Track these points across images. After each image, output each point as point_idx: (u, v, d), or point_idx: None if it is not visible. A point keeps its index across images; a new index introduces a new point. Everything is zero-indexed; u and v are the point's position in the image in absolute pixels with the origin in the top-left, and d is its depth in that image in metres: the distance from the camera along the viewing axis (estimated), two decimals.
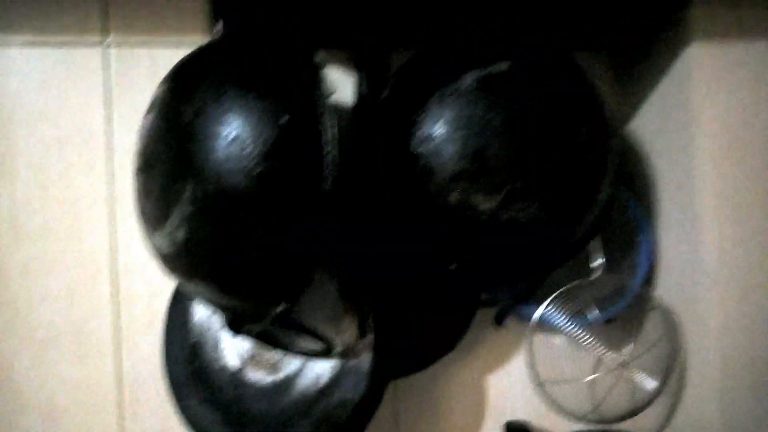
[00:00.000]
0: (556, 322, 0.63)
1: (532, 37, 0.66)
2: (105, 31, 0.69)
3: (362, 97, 0.71)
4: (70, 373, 0.68)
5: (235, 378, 0.62)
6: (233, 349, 0.63)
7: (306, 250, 0.49)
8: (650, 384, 0.65)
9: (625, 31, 0.73)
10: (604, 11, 0.69)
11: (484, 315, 0.71)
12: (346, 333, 0.58)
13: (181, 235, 0.49)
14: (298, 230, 0.49)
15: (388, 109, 0.64)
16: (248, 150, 0.47)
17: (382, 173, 0.61)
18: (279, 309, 0.50)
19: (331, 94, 0.74)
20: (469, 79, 0.59)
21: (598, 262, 0.63)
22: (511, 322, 0.71)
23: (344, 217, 0.52)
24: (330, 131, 0.49)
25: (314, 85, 0.52)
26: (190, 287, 0.54)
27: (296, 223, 0.48)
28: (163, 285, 0.68)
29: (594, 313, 0.65)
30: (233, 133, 0.48)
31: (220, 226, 0.48)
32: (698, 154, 0.60)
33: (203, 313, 0.64)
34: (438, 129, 0.58)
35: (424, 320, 0.66)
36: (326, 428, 0.57)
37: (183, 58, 0.58)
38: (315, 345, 0.57)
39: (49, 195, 0.68)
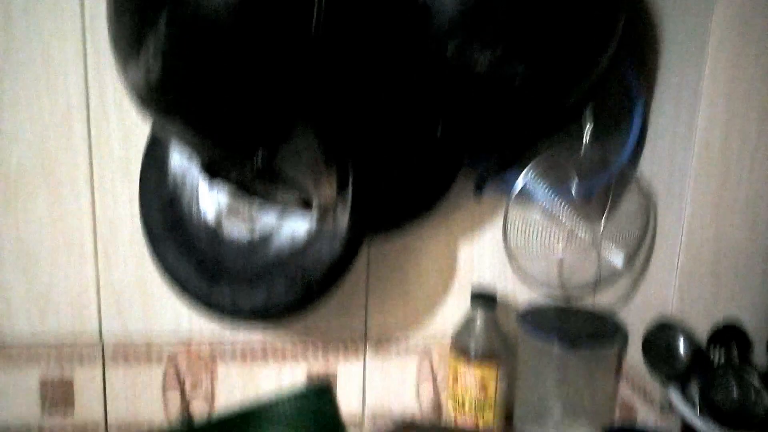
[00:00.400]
0: (535, 191, 0.63)
1: None
2: None
3: None
4: (44, 215, 0.67)
5: (212, 233, 0.62)
6: (210, 202, 0.63)
7: (288, 96, 0.47)
8: (618, 260, 0.67)
9: None
10: None
11: (464, 183, 0.71)
12: (324, 187, 0.57)
13: (155, 67, 0.46)
14: (281, 73, 0.46)
15: None
16: None
17: (381, 17, 0.57)
18: (257, 156, 0.49)
19: None
20: None
21: (586, 128, 0.62)
22: (490, 191, 0.71)
23: (333, 65, 0.49)
24: None
25: None
26: (166, 126, 0.52)
27: (279, 65, 0.46)
28: (138, 128, 0.66)
29: (574, 185, 0.64)
30: None
31: (196, 60, 0.45)
32: (715, 25, 0.57)
33: (181, 163, 0.63)
34: None
35: (404, 179, 0.65)
36: (300, 285, 0.58)
37: None
38: (292, 196, 0.56)
39: (15, 25, 0.64)
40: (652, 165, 0.67)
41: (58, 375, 0.70)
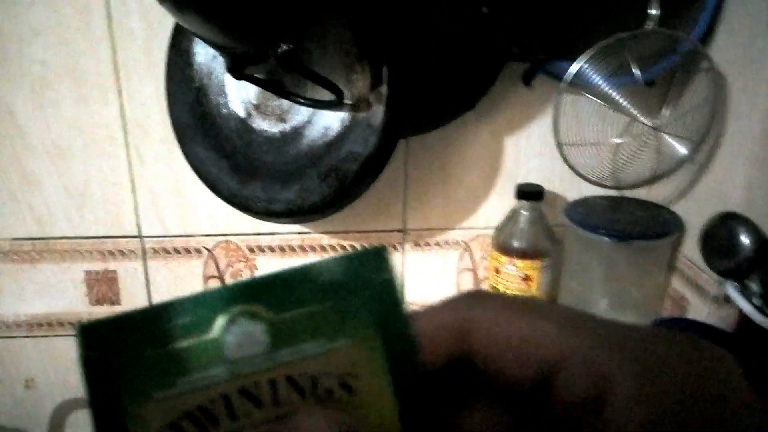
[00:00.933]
0: (591, 77, 0.57)
1: None
2: None
3: None
4: (73, 114, 0.66)
5: (242, 126, 0.59)
6: (238, 97, 0.59)
7: None
8: (680, 151, 0.61)
9: None
10: None
11: (512, 71, 0.64)
12: (358, 82, 0.53)
13: None
14: None
15: None
16: None
17: None
18: (282, 50, 0.44)
19: None
20: None
21: (653, 12, 0.54)
22: (539, 82, 0.65)
23: None
24: None
25: None
26: (184, 20, 0.48)
27: None
28: (161, 20, 0.62)
29: (635, 71, 0.57)
30: None
31: None
32: None
33: (206, 55, 0.59)
34: None
35: (445, 73, 0.59)
36: (334, 180, 0.56)
37: None
38: (323, 94, 0.52)
39: None
40: (726, 47, 0.59)
41: (102, 269, 0.72)
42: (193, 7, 0.44)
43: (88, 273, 0.72)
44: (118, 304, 0.74)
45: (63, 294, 0.73)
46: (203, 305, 0.18)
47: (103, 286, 0.73)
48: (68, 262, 0.72)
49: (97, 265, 0.72)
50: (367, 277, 0.19)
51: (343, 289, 0.19)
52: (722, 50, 0.59)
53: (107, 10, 0.62)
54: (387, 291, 0.19)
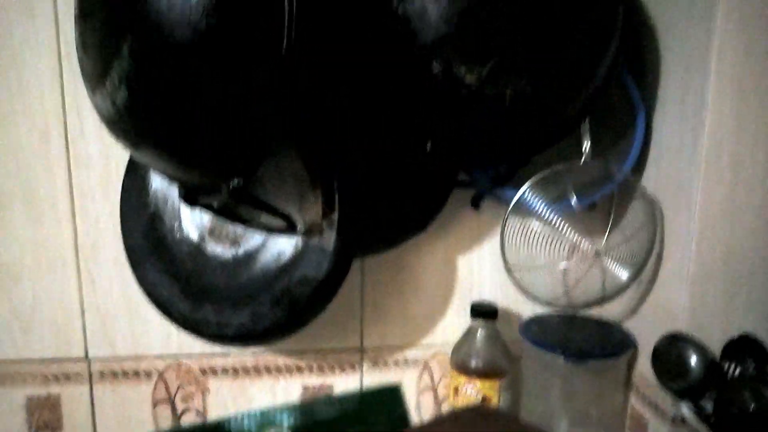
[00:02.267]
0: (535, 206, 0.60)
1: None
2: None
3: None
4: (26, 236, 0.65)
5: (196, 250, 0.60)
6: (193, 221, 0.60)
7: (261, 118, 0.44)
8: (623, 274, 0.64)
9: None
10: None
11: (461, 195, 0.68)
12: (310, 209, 0.54)
13: (121, 96, 0.44)
14: (252, 95, 0.43)
15: None
16: (193, 1, 0.40)
17: (361, 34, 0.54)
18: (234, 183, 0.46)
19: None
20: None
21: (586, 145, 0.58)
22: (487, 205, 0.68)
23: (309, 83, 0.46)
24: None
25: None
26: (138, 156, 0.49)
27: (250, 87, 0.43)
28: (118, 147, 0.63)
29: (575, 199, 0.61)
30: None
31: (162, 88, 0.43)
32: (717, 31, 0.53)
33: (162, 182, 0.60)
34: None
35: (396, 197, 0.62)
36: (287, 304, 0.56)
37: None
38: (276, 221, 0.54)
39: None
40: (657, 175, 0.63)
41: (45, 393, 0.69)
42: (148, 145, 0.46)
43: (30, 398, 0.69)
44: (60, 431, 0.70)
45: (1, 421, 0.69)
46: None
47: (45, 412, 0.69)
48: (8, 387, 0.68)
49: (40, 390, 0.69)
50: (384, 411, 0.19)
51: (362, 419, 0.19)
52: (653, 179, 0.64)
53: (65, 137, 0.64)
54: (401, 423, 0.19)
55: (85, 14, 0.47)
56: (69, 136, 0.64)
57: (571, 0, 0.50)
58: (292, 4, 0.41)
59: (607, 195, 0.64)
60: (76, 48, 0.49)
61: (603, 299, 0.65)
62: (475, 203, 0.68)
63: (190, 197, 0.51)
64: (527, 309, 0.73)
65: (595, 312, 0.71)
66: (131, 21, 0.42)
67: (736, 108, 0.55)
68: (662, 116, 0.62)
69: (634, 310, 0.68)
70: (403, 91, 0.53)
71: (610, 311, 0.71)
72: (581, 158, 0.59)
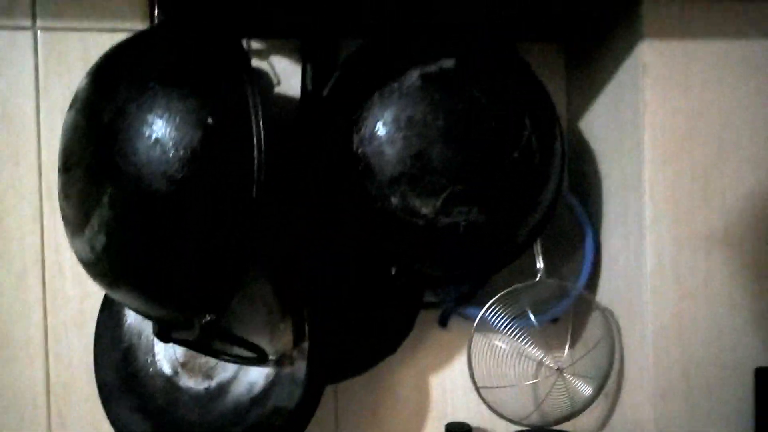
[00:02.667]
0: (498, 324, 0.63)
1: (481, 28, 0.64)
2: (35, 15, 0.65)
3: (307, 92, 0.69)
4: None
5: (168, 384, 0.60)
6: (166, 355, 0.61)
7: (232, 260, 0.47)
8: (587, 389, 0.66)
9: (578, 22, 0.72)
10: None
11: (428, 315, 0.70)
12: (281, 340, 0.56)
13: (100, 241, 0.47)
14: (224, 238, 0.46)
15: (331, 106, 0.62)
16: (171, 153, 0.45)
17: (324, 173, 0.59)
18: (206, 319, 0.48)
19: (275, 85, 0.73)
20: (413, 76, 0.57)
21: (539, 266, 0.63)
22: (454, 323, 0.70)
23: (276, 222, 0.50)
24: (260, 132, 0.47)
25: (246, 82, 0.49)
26: (114, 295, 0.52)
27: (221, 231, 0.46)
28: (95, 286, 0.65)
29: (535, 316, 0.64)
30: (155, 135, 0.45)
31: (139, 233, 0.46)
32: (646, 155, 0.60)
33: (136, 317, 0.62)
34: (380, 129, 0.56)
35: (364, 322, 0.64)
36: None
37: (108, 51, 0.55)
38: (248, 353, 0.55)
39: None
40: (610, 290, 0.67)
41: None
42: (124, 285, 0.49)
43: None
44: None
45: None
46: None
47: None
48: None
49: None
50: None
51: None
52: (606, 294, 0.67)
53: (42, 277, 0.66)
54: None
55: (68, 167, 0.51)
56: (46, 276, 0.66)
57: (512, 139, 0.56)
58: (261, 154, 0.46)
59: (566, 310, 0.67)
60: (58, 197, 0.53)
61: (572, 414, 0.66)
62: (443, 322, 0.70)
63: (164, 334, 0.52)
64: (502, 426, 0.73)
65: (569, 426, 0.72)
66: (112, 173, 0.46)
67: (673, 226, 0.60)
68: (608, 234, 0.67)
69: (604, 424, 0.69)
70: (365, 222, 0.57)
71: (582, 425, 0.71)
72: (537, 276, 0.63)
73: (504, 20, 0.69)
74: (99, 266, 0.49)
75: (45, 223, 0.66)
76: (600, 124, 0.69)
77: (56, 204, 0.64)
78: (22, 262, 0.66)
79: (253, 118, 0.47)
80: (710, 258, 0.60)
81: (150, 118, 0.46)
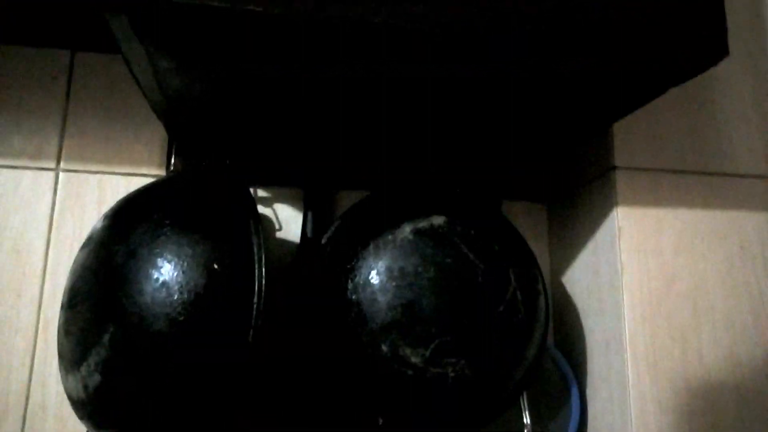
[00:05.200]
0: None
1: (469, 187, 0.70)
2: (59, 157, 0.70)
3: (307, 239, 0.73)
4: None
5: None
6: None
7: (226, 404, 0.48)
8: None
9: (558, 185, 0.78)
10: (537, 165, 0.74)
11: None
12: None
13: (94, 381, 0.48)
14: (218, 382, 0.47)
15: (328, 254, 0.66)
16: (174, 296, 0.47)
17: (319, 320, 0.62)
18: None
19: (277, 230, 0.78)
20: (406, 230, 0.61)
21: (526, 422, 0.63)
22: None
23: (270, 366, 0.51)
24: (261, 282, 0.50)
25: (252, 232, 0.53)
26: None
27: (217, 375, 0.47)
28: (75, 427, 0.64)
29: None
30: (162, 278, 0.48)
31: (134, 374, 0.47)
32: (626, 315, 0.62)
33: None
34: (373, 278, 0.59)
35: None
36: None
37: (126, 196, 0.60)
38: None
39: None
40: None
41: None
42: (111, 427, 0.48)
43: None
44: None
45: None
46: None
47: None
48: None
49: None
50: None
51: None
52: None
53: (24, 416, 0.64)
54: None
55: (73, 304, 0.53)
56: (28, 414, 0.65)
57: (498, 294, 0.60)
58: (260, 302, 0.49)
59: None
60: (58, 332, 0.54)
61: None
62: None
63: None
64: None
65: None
66: (115, 313, 0.48)
67: (654, 387, 0.61)
68: (593, 391, 0.68)
69: None
70: (355, 370, 0.58)
71: None
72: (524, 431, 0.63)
73: (491, 179, 0.76)
74: (89, 406, 0.49)
75: (36, 357, 0.66)
76: (581, 283, 0.73)
77: (51, 340, 0.65)
78: (5, 396, 0.65)
79: (256, 267, 0.50)
80: (693, 415, 0.61)
81: (159, 261, 0.49)
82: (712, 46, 0.46)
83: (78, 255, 0.56)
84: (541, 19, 0.43)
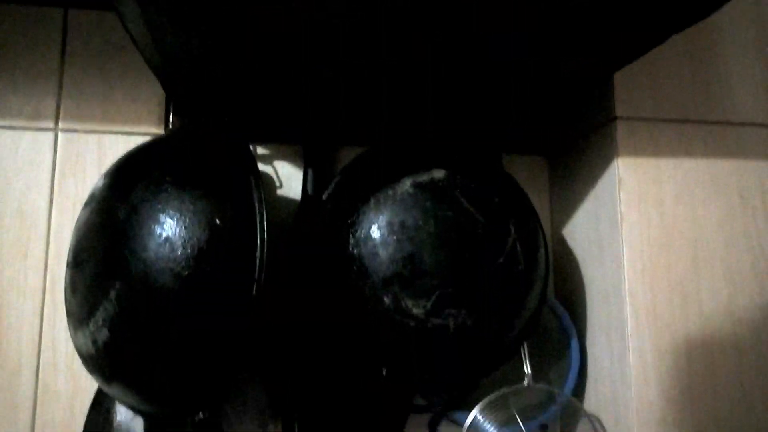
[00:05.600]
0: (487, 429, 0.63)
1: (469, 141, 0.69)
2: (57, 117, 0.70)
3: (307, 195, 0.73)
4: None
5: None
6: None
7: (230, 357, 0.49)
8: None
9: (558, 138, 0.78)
10: (537, 118, 0.74)
11: (418, 420, 0.70)
12: None
13: (102, 336, 0.48)
14: (223, 336, 0.48)
15: (329, 210, 0.66)
16: (178, 252, 0.48)
17: (320, 273, 0.62)
18: (199, 416, 0.49)
19: (278, 187, 0.78)
20: (406, 184, 0.61)
21: (527, 371, 0.64)
22: (444, 427, 0.70)
23: (274, 322, 0.52)
24: (263, 237, 0.50)
25: (253, 187, 0.53)
26: (110, 390, 0.52)
27: (221, 329, 0.48)
28: (87, 380, 0.66)
29: (524, 422, 0.64)
30: (165, 234, 0.49)
31: (142, 329, 0.48)
32: (626, 266, 0.63)
33: (125, 415, 0.62)
34: (374, 232, 0.60)
35: (355, 424, 0.64)
36: None
37: (126, 153, 0.60)
38: None
39: None
40: (596, 397, 0.68)
41: None
42: (121, 380, 0.50)
43: None
44: None
45: None
46: None
47: None
48: None
49: None
50: None
51: None
52: (593, 400, 0.68)
53: (36, 373, 0.66)
54: None
55: (78, 262, 0.53)
56: (40, 372, 0.66)
57: (498, 246, 0.60)
58: (263, 257, 0.49)
59: (554, 417, 0.67)
60: (65, 290, 0.55)
61: None
62: (432, 427, 0.70)
63: (155, 431, 0.53)
64: None
65: None
66: (121, 269, 0.49)
67: (654, 334, 0.62)
68: (593, 341, 0.69)
69: None
70: (358, 323, 0.59)
71: None
72: (525, 381, 0.65)
73: (491, 133, 0.75)
74: (99, 360, 0.50)
75: (45, 318, 0.67)
76: (582, 234, 0.73)
77: (58, 299, 0.66)
78: (17, 358, 0.66)
79: (258, 222, 0.50)
80: (691, 366, 0.62)
81: (162, 217, 0.49)
82: None
83: (81, 214, 0.56)
84: None
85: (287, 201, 0.75)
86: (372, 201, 0.61)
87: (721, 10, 0.49)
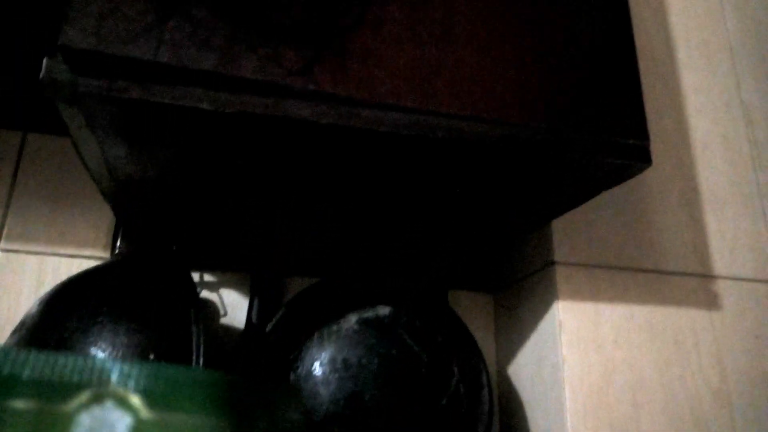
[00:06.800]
0: None
1: (417, 276, 0.71)
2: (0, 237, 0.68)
3: (252, 325, 0.72)
4: None
5: None
6: None
7: None
8: None
9: (503, 278, 0.80)
10: (480, 257, 0.76)
11: None
12: None
13: None
14: None
15: (272, 342, 0.65)
16: None
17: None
18: None
19: (222, 315, 0.76)
20: (351, 321, 0.61)
21: None
22: None
23: None
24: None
25: (192, 321, 0.52)
26: None
27: None
28: None
29: None
30: None
31: None
32: (568, 409, 0.63)
33: None
34: (316, 369, 0.59)
35: None
36: None
37: (65, 280, 0.58)
38: None
39: None
40: None
41: None
42: None
43: None
44: None
45: None
46: (67, 370, 0.13)
47: None
48: None
49: None
50: (278, 412, 0.15)
51: (245, 413, 0.14)
52: None
53: None
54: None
55: None
56: None
57: (441, 386, 0.60)
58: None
59: None
60: None
61: None
62: None
63: None
64: None
65: None
66: None
67: None
68: None
69: None
70: None
71: None
72: None
73: (438, 270, 0.77)
74: None
75: None
76: (526, 374, 0.73)
77: None
78: None
79: (194, 357, 0.49)
80: None
81: (93, 350, 0.47)
82: (636, 156, 0.50)
83: (7, 340, 0.54)
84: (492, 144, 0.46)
85: (231, 330, 0.74)
86: (316, 336, 0.61)
87: (648, 168, 0.53)
